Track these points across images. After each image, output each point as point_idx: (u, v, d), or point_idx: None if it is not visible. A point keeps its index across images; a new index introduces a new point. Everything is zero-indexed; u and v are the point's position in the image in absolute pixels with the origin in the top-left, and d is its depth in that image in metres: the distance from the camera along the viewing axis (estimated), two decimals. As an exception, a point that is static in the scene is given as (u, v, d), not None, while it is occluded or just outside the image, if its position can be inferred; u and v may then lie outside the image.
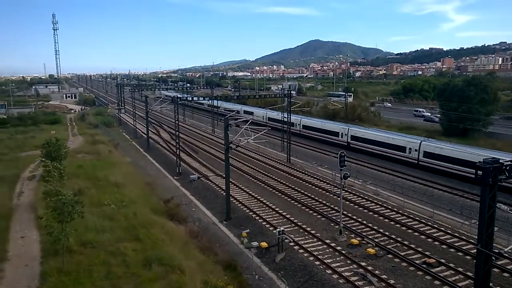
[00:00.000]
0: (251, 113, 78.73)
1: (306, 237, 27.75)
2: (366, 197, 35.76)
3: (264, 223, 30.39)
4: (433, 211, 31.32)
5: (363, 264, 23.62)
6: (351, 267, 23.46)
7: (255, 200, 35.56)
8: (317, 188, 38.95)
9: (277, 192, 37.82)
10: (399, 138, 49.11)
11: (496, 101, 70.69)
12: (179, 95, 74.25)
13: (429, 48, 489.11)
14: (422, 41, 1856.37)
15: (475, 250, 16.42)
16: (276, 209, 33.05)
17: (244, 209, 33.53)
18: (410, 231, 28.46)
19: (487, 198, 14.84)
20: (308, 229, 28.91)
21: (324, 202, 34.59)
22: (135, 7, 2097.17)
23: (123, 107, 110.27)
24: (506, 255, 22.48)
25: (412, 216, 31.07)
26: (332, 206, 33.44)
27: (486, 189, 14.78)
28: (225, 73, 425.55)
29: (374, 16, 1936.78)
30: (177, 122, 48.30)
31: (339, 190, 28.87)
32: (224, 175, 34.77)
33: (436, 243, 26.42)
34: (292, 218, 30.99)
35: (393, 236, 27.33)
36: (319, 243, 26.75)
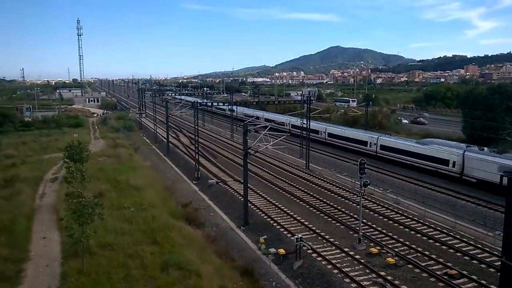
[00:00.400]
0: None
1: (325, 244, 27.45)
2: (386, 206, 35.22)
3: (282, 229, 30.20)
4: (455, 221, 30.63)
5: (382, 273, 23.19)
6: (370, 276, 23.07)
7: (273, 206, 35.42)
8: (336, 196, 38.58)
9: (295, 199, 37.60)
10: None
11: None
12: (199, 100, 74.75)
13: (453, 55, 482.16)
14: (445, 48, 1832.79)
15: (499, 263, 15.95)
16: (294, 215, 32.83)
17: (262, 215, 33.42)
18: (431, 241, 27.85)
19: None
20: (327, 236, 28.60)
21: (343, 209, 34.20)
22: (157, 14, 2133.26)
23: (144, 111, 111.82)
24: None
25: (433, 226, 30.43)
26: (351, 214, 33.04)
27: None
28: (244, 79, 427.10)
29: (395, 23, 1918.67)
30: (196, 127, 48.65)
31: (358, 198, 28.52)
32: (242, 181, 34.79)
33: (458, 254, 25.78)
34: (310, 225, 30.73)
35: (413, 246, 26.79)
36: (338, 251, 26.42)
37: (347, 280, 22.67)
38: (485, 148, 44.93)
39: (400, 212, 33.62)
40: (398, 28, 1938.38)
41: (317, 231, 29.58)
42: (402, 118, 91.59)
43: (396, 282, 22.29)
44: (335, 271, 23.68)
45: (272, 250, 26.25)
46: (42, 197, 35.71)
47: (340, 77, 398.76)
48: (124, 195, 35.26)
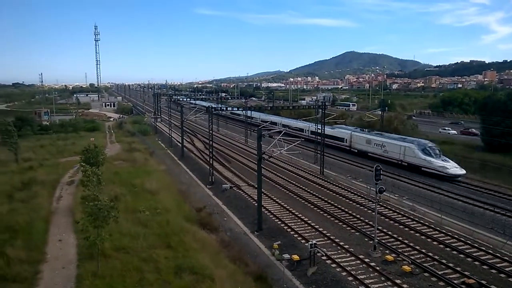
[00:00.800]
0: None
1: (339, 251, 27.18)
2: (402, 213, 34.74)
3: (296, 235, 30.01)
4: (473, 229, 30.01)
5: (398, 281, 22.81)
6: (385, 284, 22.74)
7: (287, 212, 35.24)
8: (351, 202, 38.22)
9: (309, 205, 37.36)
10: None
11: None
12: (213, 105, 74.90)
13: (470, 60, 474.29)
14: (463, 53, 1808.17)
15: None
16: (309, 221, 32.60)
17: (275, 220, 33.28)
18: (448, 249, 27.34)
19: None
20: (341, 243, 28.32)
21: (358, 216, 33.84)
22: (173, 20, 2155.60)
23: (159, 116, 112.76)
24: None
25: (450, 233, 29.88)
26: (366, 220, 32.67)
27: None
28: (259, 84, 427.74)
29: (411, 28, 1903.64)
30: (211, 131, 48.82)
31: (374, 204, 28.18)
32: (256, 186, 34.72)
33: (476, 263, 25.24)
34: (324, 232, 30.47)
35: (430, 254, 26.33)
36: (352, 258, 26.12)
37: (362, 287, 22.38)
38: (365, 130, 64.21)
39: (416, 219, 33.11)
40: (414, 33, 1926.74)
41: (331, 237, 29.30)
42: (449, 129, 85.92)
43: (412, 290, 21.92)
44: (350, 278, 23.41)
45: (286, 256, 26.04)
46: (59, 200, 36.17)
47: (355, 82, 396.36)
48: (139, 199, 35.53)
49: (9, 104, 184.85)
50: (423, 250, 26.89)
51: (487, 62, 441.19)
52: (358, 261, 25.61)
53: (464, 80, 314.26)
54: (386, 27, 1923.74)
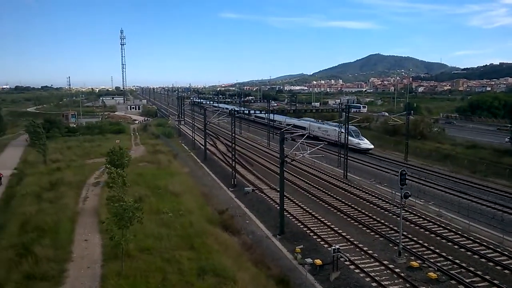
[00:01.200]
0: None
1: (363, 256, 26.77)
2: (428, 218, 33.98)
3: (319, 239, 29.74)
4: (503, 237, 29.06)
5: (423, 289, 22.31)
6: (410, 291, 22.25)
7: (310, 216, 34.97)
8: (375, 207, 37.63)
9: (332, 209, 36.99)
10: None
11: None
12: (236, 108, 75.22)
13: (499, 63, 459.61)
14: (492, 55, 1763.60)
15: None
16: (331, 226, 32.26)
17: (298, 224, 33.06)
18: (476, 256, 26.58)
19: None
20: (365, 248, 27.88)
21: (382, 221, 33.29)
22: (197, 24, 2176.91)
23: (183, 119, 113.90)
24: None
25: (478, 240, 29.03)
26: (391, 226, 32.10)
27: None
28: (282, 87, 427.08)
29: (438, 30, 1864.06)
30: (233, 134, 48.98)
31: (398, 209, 27.66)
32: (278, 189, 34.60)
33: (506, 271, 24.44)
34: (348, 236, 30.09)
35: (457, 261, 25.64)
36: (376, 263, 25.68)
37: (386, 294, 21.98)
38: (319, 121, 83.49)
39: (443, 225, 32.32)
40: (441, 35, 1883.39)
41: (355, 242, 28.91)
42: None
43: (439, 298, 21.38)
44: (374, 284, 23.01)
45: (309, 260, 25.85)
46: (85, 200, 36.88)
47: (380, 85, 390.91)
48: (163, 201, 35.88)
49: (38, 106, 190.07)
50: (450, 257, 26.21)
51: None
52: (382, 267, 25.16)
53: (493, 83, 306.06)
54: (413, 29, 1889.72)
